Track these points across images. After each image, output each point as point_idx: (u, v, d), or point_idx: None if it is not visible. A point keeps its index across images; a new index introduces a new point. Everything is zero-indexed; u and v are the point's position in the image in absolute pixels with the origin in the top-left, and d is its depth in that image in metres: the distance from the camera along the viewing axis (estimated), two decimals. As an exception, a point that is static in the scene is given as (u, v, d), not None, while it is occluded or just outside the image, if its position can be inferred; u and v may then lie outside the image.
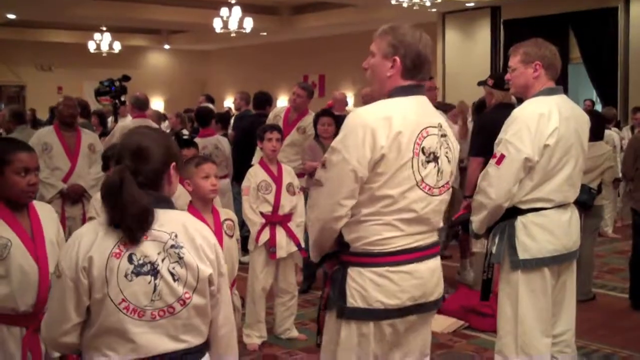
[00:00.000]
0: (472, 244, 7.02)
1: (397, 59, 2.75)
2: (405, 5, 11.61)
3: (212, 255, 2.26)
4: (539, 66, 3.58)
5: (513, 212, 3.55)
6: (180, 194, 4.67)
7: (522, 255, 3.51)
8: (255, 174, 5.18)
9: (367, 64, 2.84)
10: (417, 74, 2.78)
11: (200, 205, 3.89)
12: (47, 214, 3.08)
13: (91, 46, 17.86)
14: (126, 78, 8.91)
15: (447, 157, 2.76)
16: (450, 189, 2.82)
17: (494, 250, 3.62)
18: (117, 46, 18.00)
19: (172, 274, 2.16)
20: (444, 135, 2.77)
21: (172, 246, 2.17)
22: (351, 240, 2.71)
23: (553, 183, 3.51)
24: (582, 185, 6.02)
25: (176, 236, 2.19)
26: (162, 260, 2.15)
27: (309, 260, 6.82)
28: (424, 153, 2.68)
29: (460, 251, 7.10)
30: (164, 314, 2.16)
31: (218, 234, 3.84)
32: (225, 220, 3.96)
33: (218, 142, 7.56)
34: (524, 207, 3.53)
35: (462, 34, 14.75)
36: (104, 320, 2.13)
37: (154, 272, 2.14)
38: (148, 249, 2.15)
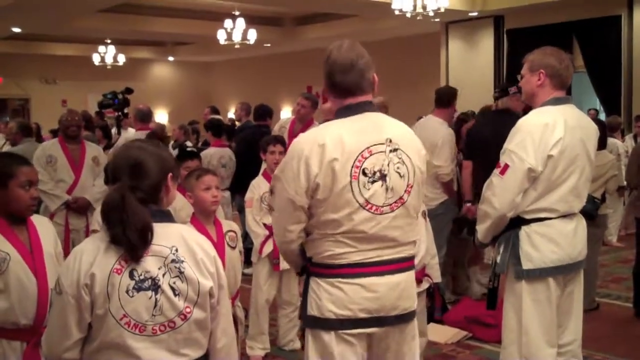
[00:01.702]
0: (483, 255, 7.04)
1: (325, 81, 2.80)
2: (408, 15, 11.60)
3: (212, 268, 2.27)
4: (542, 75, 3.58)
5: (517, 222, 3.55)
6: (183, 205, 4.69)
7: (525, 265, 3.51)
8: (259, 186, 5.18)
9: None
10: (346, 89, 2.75)
11: (202, 217, 3.89)
12: (45, 227, 3.09)
13: (95, 59, 17.90)
14: (129, 90, 8.94)
15: (398, 172, 2.73)
16: (407, 203, 2.77)
17: (498, 260, 3.63)
18: (121, 59, 18.04)
19: (173, 289, 2.17)
20: (394, 150, 2.73)
21: (173, 261, 2.19)
22: (311, 255, 2.80)
23: (557, 193, 3.50)
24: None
25: (177, 250, 2.20)
26: (163, 275, 2.17)
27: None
28: (365, 174, 2.67)
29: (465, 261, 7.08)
30: (164, 328, 2.17)
31: (220, 245, 3.84)
32: (228, 231, 3.96)
33: (231, 154, 7.59)
34: (527, 217, 3.52)
35: (465, 44, 14.75)
36: (105, 336, 2.15)
37: (155, 287, 2.15)
38: (149, 264, 2.16)
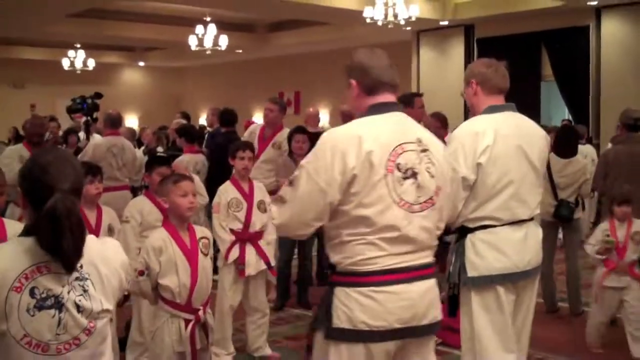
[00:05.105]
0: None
1: (356, 78, 2.84)
2: (379, 23, 11.66)
3: (116, 282, 2.23)
4: (474, 84, 3.64)
5: (465, 231, 3.53)
6: (151, 210, 4.68)
7: (470, 272, 3.48)
8: (226, 191, 5.14)
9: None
10: (380, 86, 2.81)
11: (176, 223, 3.86)
12: (15, 230, 3.03)
13: (65, 63, 17.73)
14: (98, 95, 8.86)
15: (428, 172, 2.72)
16: (436, 205, 2.75)
17: (451, 269, 3.59)
18: (91, 63, 17.89)
19: (78, 306, 2.10)
20: (424, 150, 2.74)
21: (77, 278, 2.11)
22: (337, 261, 2.70)
23: (497, 201, 3.46)
24: (561, 200, 6.17)
25: (81, 267, 2.12)
26: (68, 292, 2.08)
27: (283, 278, 6.84)
28: (399, 170, 2.65)
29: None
30: (69, 346, 2.10)
31: (194, 252, 3.81)
32: (201, 238, 3.93)
33: (204, 160, 7.53)
34: (471, 225, 3.49)
35: (436, 52, 14.86)
36: (5, 356, 2.05)
37: (59, 305, 2.07)
38: (51, 282, 2.07)
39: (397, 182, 2.65)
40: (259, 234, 5.16)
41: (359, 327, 2.63)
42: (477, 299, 3.49)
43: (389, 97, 2.82)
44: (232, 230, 5.07)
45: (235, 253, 5.03)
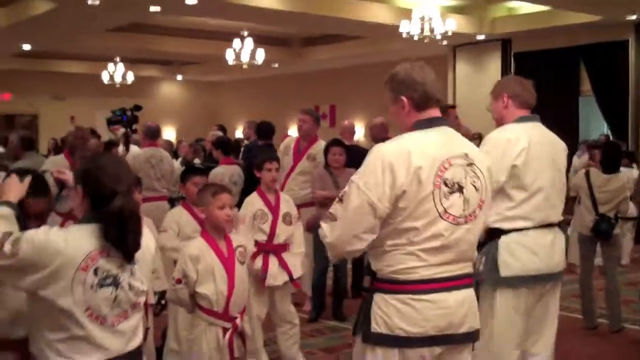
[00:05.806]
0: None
1: (407, 93, 2.82)
2: (415, 38, 11.65)
3: (151, 265, 2.69)
4: (505, 97, 3.83)
5: (497, 233, 3.67)
6: (189, 221, 4.72)
7: (503, 272, 3.62)
8: (252, 203, 5.13)
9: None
10: (430, 101, 2.83)
11: (213, 232, 3.91)
12: None
13: (105, 77, 17.99)
14: (138, 108, 8.97)
15: (474, 185, 2.78)
16: (479, 218, 2.81)
17: (481, 267, 3.68)
18: (130, 77, 18.13)
19: (130, 285, 2.49)
20: (470, 164, 2.79)
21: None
22: (377, 268, 2.77)
23: (532, 202, 3.66)
24: (602, 215, 6.15)
25: None
26: (122, 273, 2.47)
27: (318, 290, 6.81)
28: (446, 185, 2.71)
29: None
30: (120, 319, 2.48)
31: (231, 260, 3.86)
32: (238, 247, 3.97)
33: (240, 171, 7.57)
34: (506, 227, 3.63)
35: (472, 67, 14.81)
36: (69, 327, 2.38)
37: (116, 284, 2.45)
38: (110, 264, 2.44)
39: (444, 197, 2.70)
40: (283, 246, 5.14)
41: (396, 332, 2.70)
42: (501, 299, 3.63)
43: (436, 112, 2.86)
44: (256, 242, 5.03)
45: (258, 263, 5.01)
